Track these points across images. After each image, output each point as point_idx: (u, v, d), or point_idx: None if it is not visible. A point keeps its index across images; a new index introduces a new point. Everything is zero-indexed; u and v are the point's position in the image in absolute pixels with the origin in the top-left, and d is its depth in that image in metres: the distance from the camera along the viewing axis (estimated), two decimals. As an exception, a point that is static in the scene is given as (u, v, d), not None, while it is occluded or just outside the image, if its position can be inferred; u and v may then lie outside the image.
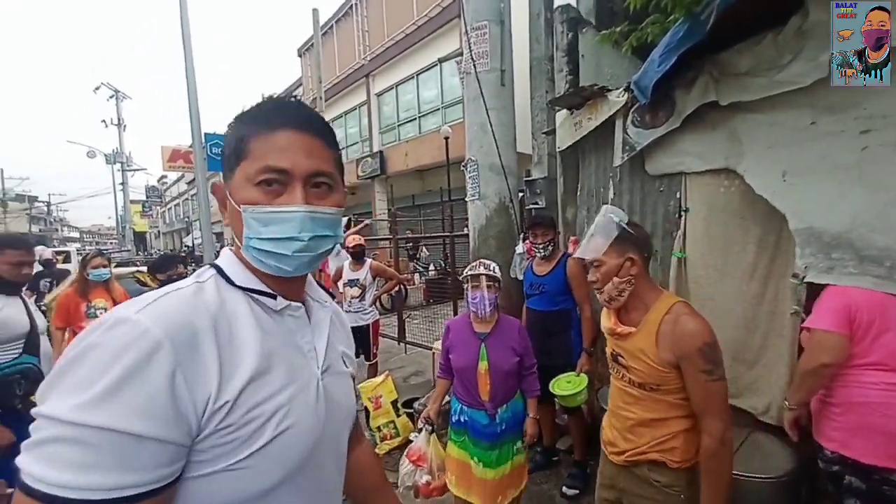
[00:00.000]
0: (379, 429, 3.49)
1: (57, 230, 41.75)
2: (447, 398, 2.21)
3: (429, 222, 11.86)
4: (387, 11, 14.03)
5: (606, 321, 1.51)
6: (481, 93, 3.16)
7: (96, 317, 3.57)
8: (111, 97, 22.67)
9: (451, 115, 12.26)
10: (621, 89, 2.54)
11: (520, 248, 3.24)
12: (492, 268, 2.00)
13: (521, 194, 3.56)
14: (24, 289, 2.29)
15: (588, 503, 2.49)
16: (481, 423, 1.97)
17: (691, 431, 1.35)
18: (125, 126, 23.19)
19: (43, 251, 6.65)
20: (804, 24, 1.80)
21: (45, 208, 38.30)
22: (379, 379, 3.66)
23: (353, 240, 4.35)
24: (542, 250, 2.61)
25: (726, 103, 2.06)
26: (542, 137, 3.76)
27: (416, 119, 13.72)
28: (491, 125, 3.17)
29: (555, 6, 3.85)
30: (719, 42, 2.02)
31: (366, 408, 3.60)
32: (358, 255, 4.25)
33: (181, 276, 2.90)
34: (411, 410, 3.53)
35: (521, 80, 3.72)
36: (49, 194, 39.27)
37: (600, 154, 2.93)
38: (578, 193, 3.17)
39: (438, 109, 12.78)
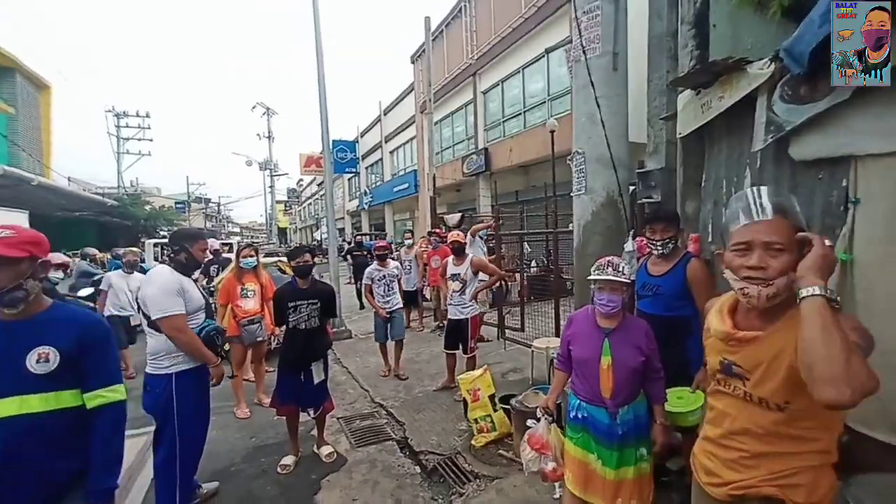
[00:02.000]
0: (476, 421, 3.55)
1: (224, 226, 50.95)
2: (566, 391, 2.24)
3: (532, 218, 11.60)
4: (495, 8, 14.02)
5: (719, 323, 1.30)
6: (591, 81, 2.96)
7: (248, 297, 4.30)
8: (263, 114, 26.91)
9: (558, 108, 11.80)
10: (766, 59, 2.16)
11: (629, 246, 2.98)
12: (620, 267, 1.93)
13: (631, 188, 3.26)
14: (198, 272, 2.92)
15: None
16: (602, 421, 1.94)
17: (824, 468, 1.14)
18: (273, 138, 27.39)
19: (213, 243, 8.42)
20: None
21: (216, 208, 47.01)
22: (478, 372, 3.72)
23: (454, 235, 4.49)
24: (660, 247, 2.36)
25: (922, 64, 1.61)
26: (659, 124, 3.38)
27: (520, 114, 13.52)
28: (601, 115, 2.95)
29: (681, -26, 3.44)
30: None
31: (464, 399, 3.68)
32: (459, 251, 4.38)
33: (307, 264, 3.31)
34: (508, 406, 3.51)
35: (636, 64, 3.39)
36: (219, 196, 48.26)
37: (734, 138, 2.53)
38: (703, 184, 2.78)
39: (544, 102, 12.40)
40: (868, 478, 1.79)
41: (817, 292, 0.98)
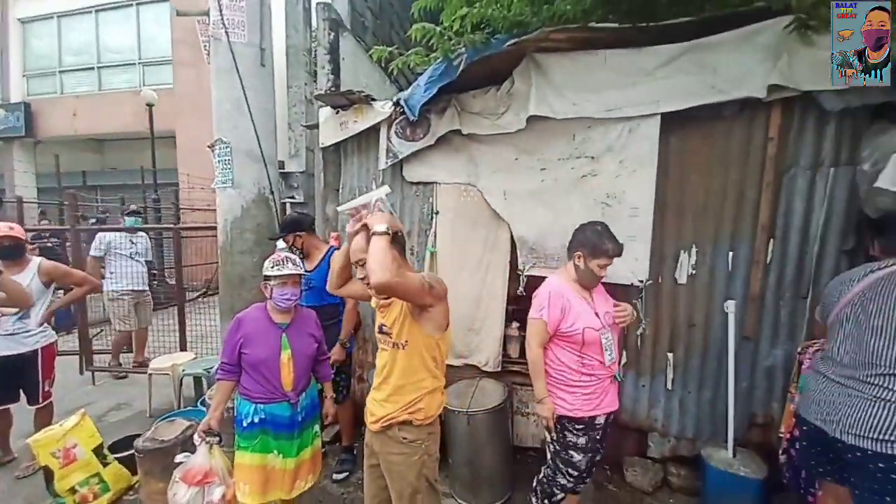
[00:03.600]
0: (74, 490, 2.53)
1: None
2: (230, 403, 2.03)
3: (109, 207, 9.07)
4: None
5: (373, 302, 1.77)
6: (236, 66, 2.79)
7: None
8: None
9: (153, 77, 9.82)
10: (389, 101, 2.85)
11: (281, 244, 3.07)
12: (297, 262, 2.01)
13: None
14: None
15: (358, 479, 2.68)
16: (284, 415, 1.94)
17: (435, 392, 1.68)
18: None
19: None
20: (511, 89, 2.58)
21: None
22: (71, 421, 2.64)
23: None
24: (299, 253, 2.65)
25: (467, 132, 2.69)
26: (299, 130, 3.66)
27: (93, 69, 10.20)
28: (248, 106, 2.85)
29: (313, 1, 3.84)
30: (463, 85, 2.61)
31: (45, 468, 2.53)
32: (9, 253, 2.82)
33: None
34: (129, 453, 2.73)
35: (276, 67, 3.50)
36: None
37: (363, 155, 3.16)
38: (340, 190, 3.29)
39: (134, 65, 9.97)
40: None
41: (381, 230, 1.49)
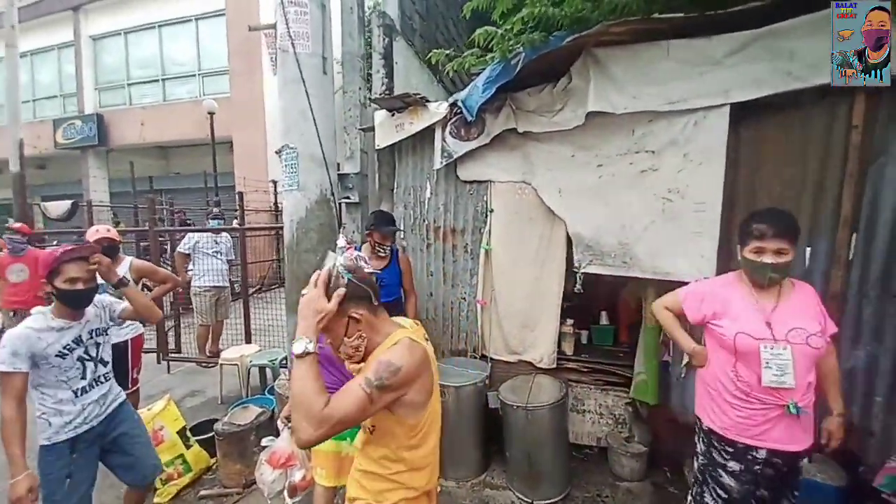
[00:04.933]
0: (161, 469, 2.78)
1: None
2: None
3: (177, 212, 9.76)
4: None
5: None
6: (302, 77, 2.95)
7: None
8: None
9: (211, 87, 10.46)
10: (443, 103, 2.92)
11: (341, 242, 3.21)
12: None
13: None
14: None
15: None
16: None
17: (415, 499, 1.26)
18: None
19: None
20: (568, 85, 2.57)
21: None
22: (159, 405, 2.91)
23: (97, 232, 3.22)
24: (387, 251, 2.76)
25: (522, 131, 2.71)
26: (354, 132, 3.80)
27: (158, 80, 11.01)
28: (312, 113, 3.01)
29: (366, 6, 3.97)
30: (519, 83, 2.63)
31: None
32: (107, 253, 3.17)
33: None
34: (209, 435, 2.96)
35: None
36: None
37: (417, 156, 3.25)
38: (395, 190, 3.40)
39: (195, 76, 10.66)
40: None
41: (298, 351, 1.10)
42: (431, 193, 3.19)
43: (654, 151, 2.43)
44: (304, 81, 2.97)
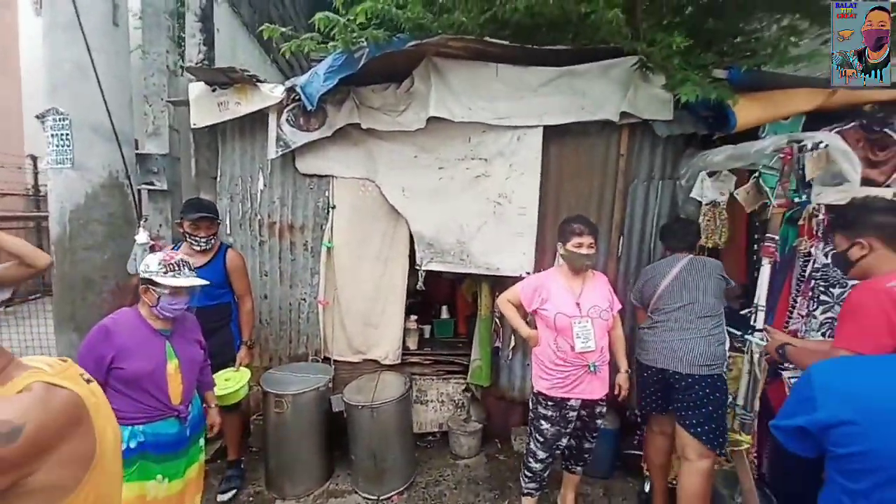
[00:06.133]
0: None
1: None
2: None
3: None
4: None
5: None
6: (79, 21, 2.27)
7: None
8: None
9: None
10: (279, 86, 2.65)
11: (142, 238, 2.62)
12: (192, 266, 1.77)
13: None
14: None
15: (248, 495, 2.47)
16: (170, 433, 1.70)
17: None
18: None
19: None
20: (412, 88, 2.65)
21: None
22: None
23: None
24: (203, 243, 2.30)
25: (366, 127, 2.67)
26: (160, 105, 3.13)
27: None
28: (96, 71, 2.35)
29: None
30: (363, 78, 2.58)
31: None
32: None
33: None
34: None
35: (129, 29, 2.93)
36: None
37: (247, 142, 2.87)
38: (218, 179, 2.93)
39: None
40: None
41: None
42: (265, 185, 2.87)
43: (487, 159, 2.71)
44: (82, 28, 2.31)
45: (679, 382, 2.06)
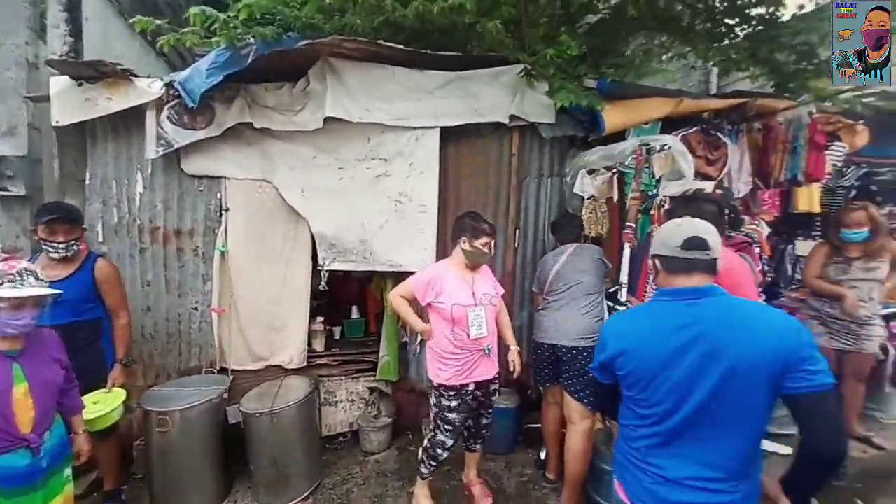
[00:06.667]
0: None
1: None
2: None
3: None
4: None
5: None
6: None
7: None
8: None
9: None
10: (159, 81, 2.47)
11: (-11, 249, 2.28)
12: (39, 275, 1.55)
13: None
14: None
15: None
16: (20, 466, 1.49)
17: None
18: None
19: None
20: (307, 88, 2.63)
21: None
22: None
23: None
24: (63, 250, 2.06)
25: (259, 127, 2.59)
26: (17, 101, 2.78)
27: None
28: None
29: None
30: (255, 76, 2.51)
31: None
32: None
33: None
34: None
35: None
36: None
37: (121, 141, 2.64)
38: (88, 182, 2.64)
39: None
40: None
41: None
42: (145, 188, 2.65)
43: (387, 159, 2.76)
44: None
45: (566, 355, 2.27)
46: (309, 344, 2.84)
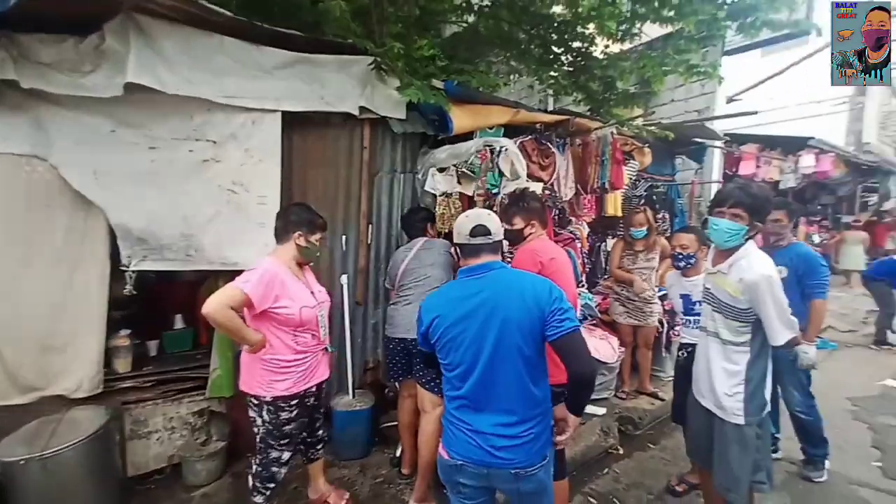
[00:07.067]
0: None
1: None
2: None
3: None
4: None
5: None
6: None
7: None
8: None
9: None
10: None
11: None
12: None
13: None
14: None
15: None
16: None
17: None
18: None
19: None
20: (102, 46, 2.11)
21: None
22: None
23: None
24: None
25: (28, 87, 1.98)
26: None
27: None
28: None
29: None
30: (23, 23, 1.91)
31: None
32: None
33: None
34: None
35: None
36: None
37: None
38: None
39: None
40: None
41: None
42: None
43: (216, 142, 2.40)
44: None
45: (416, 348, 2.27)
46: (108, 364, 2.28)
